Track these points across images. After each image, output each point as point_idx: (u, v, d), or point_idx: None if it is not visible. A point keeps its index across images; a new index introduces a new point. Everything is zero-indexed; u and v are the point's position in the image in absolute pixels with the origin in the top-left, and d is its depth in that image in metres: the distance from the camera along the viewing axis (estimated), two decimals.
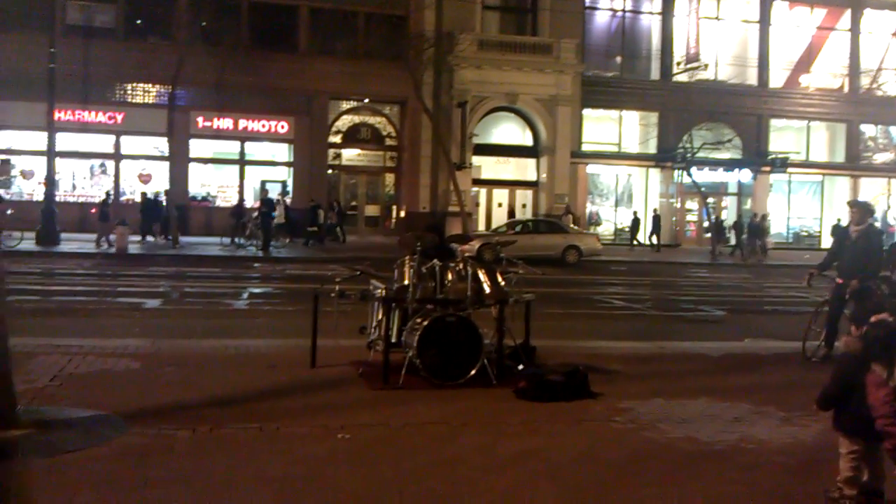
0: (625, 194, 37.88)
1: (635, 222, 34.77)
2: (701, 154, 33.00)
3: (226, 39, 30.05)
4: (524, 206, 35.51)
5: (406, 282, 8.06)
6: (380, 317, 8.27)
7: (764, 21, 37.88)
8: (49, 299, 14.60)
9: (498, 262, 9.10)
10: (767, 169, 37.22)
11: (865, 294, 9.50)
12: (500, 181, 35.76)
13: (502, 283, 8.40)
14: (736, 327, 13.56)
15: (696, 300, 18.14)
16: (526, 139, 35.63)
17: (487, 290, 8.21)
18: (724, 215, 38.58)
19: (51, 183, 25.72)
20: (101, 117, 30.93)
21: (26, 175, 30.92)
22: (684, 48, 36.59)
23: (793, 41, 38.39)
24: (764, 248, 32.26)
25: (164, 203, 28.50)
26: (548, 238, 26.69)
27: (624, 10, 37.13)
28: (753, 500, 5.23)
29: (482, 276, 8.24)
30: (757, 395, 7.87)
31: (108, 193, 28.22)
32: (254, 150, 33.07)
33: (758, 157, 37.23)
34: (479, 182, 34.77)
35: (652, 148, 36.68)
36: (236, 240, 27.58)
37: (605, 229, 36.67)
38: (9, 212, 25.06)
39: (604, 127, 36.77)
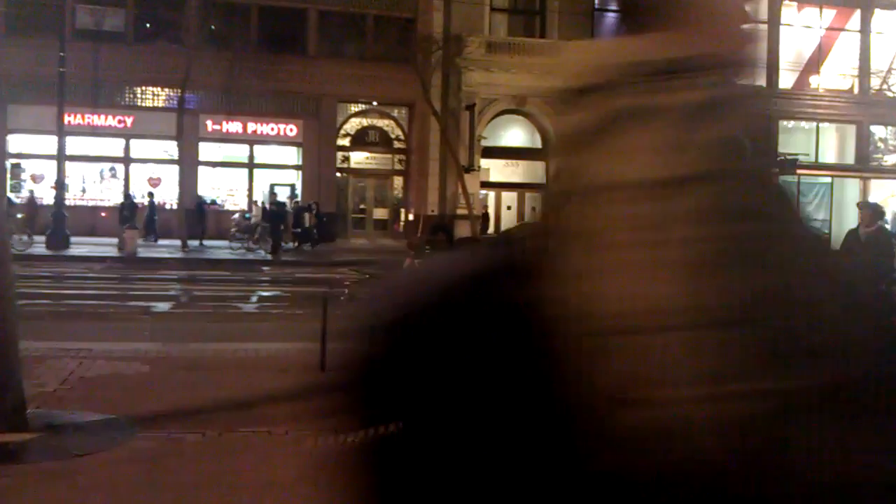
0: None
1: None
2: None
3: (235, 43, 30.13)
4: (533, 208, 35.49)
5: None
6: None
7: (773, 22, 37.74)
8: (59, 303, 14.65)
9: None
10: (776, 170, 36.98)
11: None
12: (508, 184, 35.73)
13: None
14: None
15: None
16: (535, 142, 35.59)
17: None
18: None
19: (60, 186, 25.82)
20: (111, 121, 31.06)
21: (36, 179, 31.05)
22: None
23: (802, 42, 38.27)
24: None
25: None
26: None
27: None
28: None
29: None
30: None
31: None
32: (263, 153, 33.14)
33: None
34: (487, 185, 34.74)
35: None
36: (247, 244, 27.70)
37: None
38: (18, 215, 25.18)
39: None
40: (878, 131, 39.96)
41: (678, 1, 1.06)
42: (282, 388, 7.69)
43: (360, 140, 34.14)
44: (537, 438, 0.96)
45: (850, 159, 39.31)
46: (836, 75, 38.94)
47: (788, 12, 38.07)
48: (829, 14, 38.69)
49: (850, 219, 32.61)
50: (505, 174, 35.60)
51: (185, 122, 27.88)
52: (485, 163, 33.99)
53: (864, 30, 38.76)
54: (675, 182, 0.95)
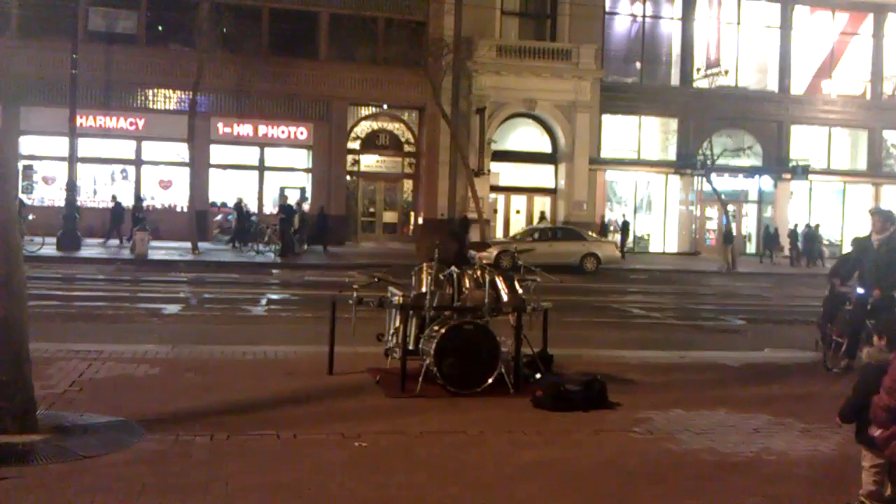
0: (644, 201, 37.70)
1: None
2: (721, 161, 32.79)
3: (246, 46, 30.23)
4: (542, 212, 35.43)
5: (424, 289, 8.04)
6: (397, 324, 8.26)
7: (785, 26, 37.63)
8: (69, 304, 14.71)
9: (516, 269, 9.08)
10: (788, 176, 36.93)
11: (888, 304, 9.41)
12: (518, 188, 35.70)
13: (520, 291, 8.38)
14: (756, 337, 13.45)
15: (715, 309, 18.01)
16: (544, 145, 35.55)
17: (505, 297, 8.19)
18: (744, 223, 38.41)
19: (72, 188, 25.93)
20: (123, 123, 31.17)
21: (48, 180, 31.19)
22: (705, 54, 36.41)
23: (814, 47, 38.09)
24: (821, 255, 32.36)
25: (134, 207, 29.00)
26: (566, 245, 26.58)
27: (644, 16, 36.99)
28: None
29: (500, 283, 8.22)
30: (777, 406, 7.79)
31: (140, 198, 28.80)
32: (273, 156, 33.19)
33: (778, 164, 36.95)
34: (497, 189, 34.73)
35: (671, 154, 36.49)
36: (257, 247, 27.77)
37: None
38: (30, 217, 25.28)
39: (623, 133, 36.61)
40: (891, 137, 39.73)
41: None
42: (290, 390, 7.70)
43: (371, 143, 34.17)
44: None
45: (862, 165, 39.10)
46: (849, 80, 38.75)
47: (800, 16, 37.92)
48: (842, 18, 38.52)
49: (861, 225, 32.41)
50: (514, 178, 35.57)
51: (196, 125, 27.94)
52: (494, 166, 33.98)
53: (877, 34, 38.58)
54: None
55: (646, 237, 37.24)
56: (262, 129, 32.27)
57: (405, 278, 8.62)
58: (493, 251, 24.45)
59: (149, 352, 9.17)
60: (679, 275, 27.65)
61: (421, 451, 6.06)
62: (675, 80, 36.94)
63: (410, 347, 8.10)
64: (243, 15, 30.55)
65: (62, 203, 27.06)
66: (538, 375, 8.19)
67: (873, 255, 9.73)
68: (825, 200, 39.24)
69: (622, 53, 36.71)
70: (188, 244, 26.60)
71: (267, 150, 32.85)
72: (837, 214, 38.54)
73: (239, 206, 29.62)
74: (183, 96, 30.46)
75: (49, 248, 23.92)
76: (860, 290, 9.78)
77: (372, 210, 34.46)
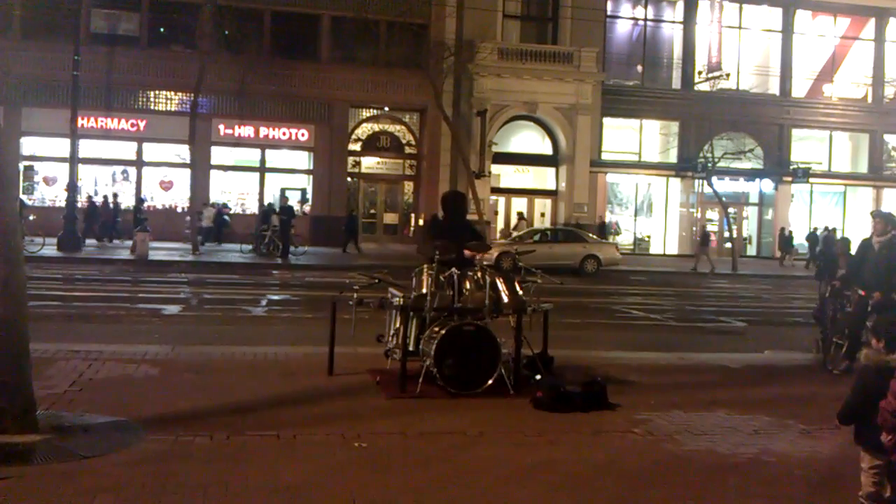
0: (645, 204, 37.71)
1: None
2: (722, 164, 32.81)
3: (248, 48, 30.25)
4: (542, 214, 35.45)
5: (424, 290, 8.04)
6: (397, 325, 8.26)
7: (786, 30, 37.66)
8: (69, 305, 14.72)
9: (516, 270, 9.08)
10: (789, 179, 36.95)
11: (888, 306, 9.41)
12: (519, 190, 35.72)
13: (520, 293, 8.38)
14: (756, 338, 13.45)
15: (715, 311, 18.01)
16: (545, 148, 35.57)
17: (505, 299, 8.19)
18: (744, 226, 38.44)
19: (73, 189, 25.93)
20: (124, 124, 31.22)
21: (49, 181, 31.22)
22: (706, 57, 36.43)
23: (816, 50, 38.13)
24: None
25: (113, 207, 29.24)
26: (566, 247, 26.60)
27: (645, 19, 37.04)
28: None
29: (500, 285, 8.22)
30: (777, 408, 7.80)
31: (142, 199, 28.88)
32: (274, 157, 33.23)
33: (779, 167, 36.97)
34: (497, 191, 34.76)
35: (672, 157, 36.51)
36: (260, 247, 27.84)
37: (625, 239, 36.51)
38: (31, 217, 25.30)
39: (624, 136, 36.64)
40: (892, 140, 39.76)
41: None
42: (290, 391, 7.70)
43: (372, 145, 34.20)
44: None
45: (863, 168, 39.11)
46: (850, 84, 38.78)
47: (802, 20, 37.94)
48: (844, 22, 38.56)
49: (863, 227, 32.41)
50: (515, 180, 35.60)
51: (197, 126, 27.96)
52: (495, 168, 34.01)
53: (879, 38, 38.60)
54: None
55: (646, 239, 37.26)
56: (264, 131, 32.30)
57: (405, 279, 8.63)
58: (494, 252, 24.46)
59: (149, 352, 9.17)
60: (679, 277, 27.64)
61: (421, 451, 6.06)
62: (676, 83, 36.98)
63: (411, 348, 8.10)
64: (245, 17, 30.58)
65: (63, 203, 27.08)
66: (538, 377, 8.19)
67: (874, 258, 9.74)
68: (826, 203, 39.28)
69: (623, 57, 36.75)
70: (188, 245, 26.63)
71: (268, 151, 32.89)
72: (838, 218, 38.52)
73: (217, 206, 29.77)
74: (184, 98, 30.50)
75: (50, 248, 23.93)
76: (861, 292, 9.78)
77: (373, 211, 34.48)
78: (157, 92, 31.37)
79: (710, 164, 32.83)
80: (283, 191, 32.33)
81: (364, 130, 34.01)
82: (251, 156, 32.99)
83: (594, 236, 29.64)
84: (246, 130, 32.10)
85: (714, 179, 33.13)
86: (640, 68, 37.16)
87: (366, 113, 33.83)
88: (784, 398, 8.36)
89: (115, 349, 9.21)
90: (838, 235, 30.18)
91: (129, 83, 30.63)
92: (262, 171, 33.03)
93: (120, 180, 32.13)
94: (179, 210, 30.99)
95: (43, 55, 27.68)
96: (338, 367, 8.41)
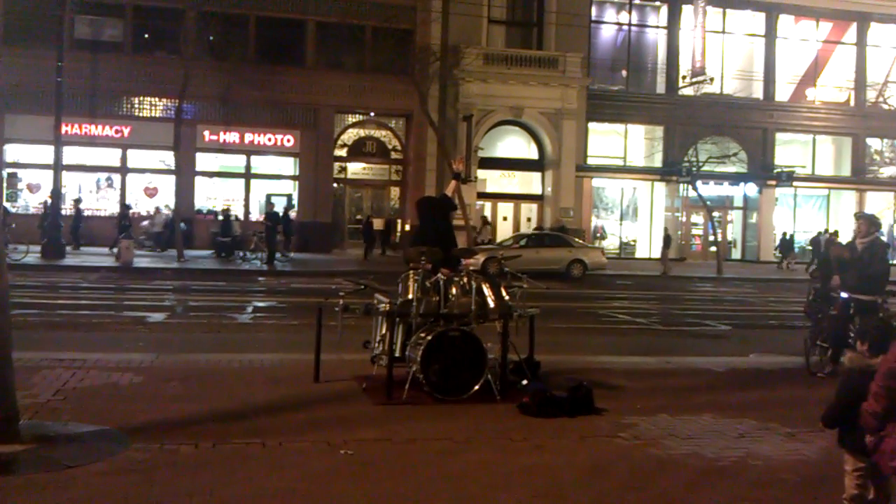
0: (630, 208, 37.84)
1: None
2: (706, 168, 32.95)
3: (233, 54, 30.18)
4: (529, 219, 35.51)
5: (410, 296, 8.04)
6: (384, 331, 8.25)
7: (769, 35, 37.92)
8: (53, 313, 14.62)
9: (502, 275, 9.09)
10: (773, 183, 37.16)
11: (871, 309, 9.48)
12: (505, 195, 35.77)
13: (506, 298, 8.39)
14: (741, 342, 13.51)
15: (701, 315, 18.08)
16: (531, 153, 35.64)
17: (491, 304, 8.19)
18: (729, 229, 38.63)
19: (57, 196, 25.78)
20: (108, 131, 31.03)
21: (32, 188, 31.03)
22: (690, 62, 36.61)
23: (798, 55, 38.40)
24: None
25: (75, 212, 28.86)
26: (553, 252, 26.65)
27: (629, 24, 37.21)
28: None
29: (486, 290, 8.23)
30: (762, 411, 7.83)
31: (127, 206, 28.70)
32: (260, 163, 33.14)
33: (763, 171, 37.19)
34: (484, 195, 34.78)
35: (657, 161, 36.65)
36: (243, 254, 27.74)
37: (610, 243, 36.61)
38: (13, 225, 25.08)
39: (609, 140, 36.77)
40: (874, 143, 40.07)
41: None
42: (275, 398, 7.68)
43: (357, 150, 34.17)
44: None
45: (846, 171, 39.39)
46: (833, 88, 39.07)
47: (785, 25, 38.22)
48: (826, 27, 38.87)
49: (846, 230, 32.65)
50: (501, 185, 35.64)
51: (182, 133, 27.86)
52: (481, 173, 34.04)
53: (860, 42, 38.93)
54: None
55: (632, 243, 37.38)
56: (249, 137, 32.21)
57: (391, 285, 8.62)
58: (480, 258, 24.48)
59: (133, 360, 9.12)
60: (664, 281, 27.73)
61: (408, 458, 6.06)
62: (660, 87, 37.15)
63: (397, 354, 8.10)
64: (230, 23, 30.51)
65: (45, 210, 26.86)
66: (524, 382, 8.20)
67: (856, 259, 9.81)
68: (810, 207, 39.54)
69: (608, 61, 36.90)
70: (174, 251, 26.53)
71: (253, 157, 32.80)
72: (822, 221, 38.79)
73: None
74: (169, 104, 30.39)
75: (34, 255, 23.76)
76: (844, 295, 9.84)
77: (359, 217, 34.42)
78: (141, 98, 31.23)
79: (694, 168, 32.99)
80: (268, 197, 32.30)
81: (350, 136, 33.98)
82: (236, 162, 32.88)
83: (580, 241, 29.70)
84: (231, 136, 32.00)
85: (699, 183, 33.29)
86: (624, 73, 37.31)
87: (351, 118, 33.81)
88: (769, 401, 8.40)
89: (100, 357, 9.15)
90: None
91: (114, 89, 30.47)
92: (247, 178, 32.93)
93: (104, 187, 31.96)
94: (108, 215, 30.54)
95: (26, 61, 27.49)
96: (324, 374, 8.39)
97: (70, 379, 8.02)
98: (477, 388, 7.79)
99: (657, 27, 37.39)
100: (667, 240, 30.89)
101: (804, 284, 15.14)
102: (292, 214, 30.73)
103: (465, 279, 8.23)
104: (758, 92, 37.85)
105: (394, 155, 34.49)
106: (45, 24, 26.76)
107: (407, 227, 33.60)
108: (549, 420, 7.23)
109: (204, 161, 32.18)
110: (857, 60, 38.96)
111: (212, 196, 32.81)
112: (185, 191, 29.63)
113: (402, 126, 34.22)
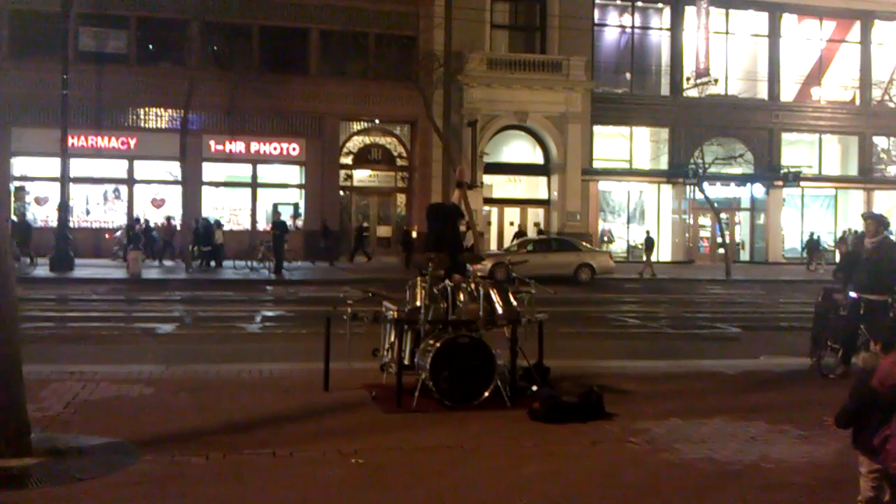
0: (637, 211, 37.78)
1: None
2: (713, 169, 32.87)
3: (237, 63, 30.28)
4: (536, 224, 35.47)
5: (418, 303, 8.02)
6: (392, 339, 8.24)
7: (773, 34, 37.85)
8: (63, 325, 14.65)
9: (510, 281, 9.08)
10: (780, 183, 37.04)
11: (882, 309, 9.42)
12: (511, 200, 35.76)
13: (515, 303, 8.37)
14: (751, 344, 13.45)
15: (710, 317, 18.02)
16: (536, 157, 35.64)
17: (500, 310, 8.18)
18: (737, 231, 38.51)
19: (64, 209, 25.87)
20: (115, 142, 31.15)
21: (40, 201, 31.14)
22: (694, 63, 36.58)
23: (803, 54, 38.32)
24: None
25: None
26: (560, 256, 26.59)
27: (633, 27, 37.19)
28: None
29: (494, 296, 8.21)
30: (774, 414, 7.79)
31: (136, 219, 28.73)
32: (266, 172, 33.20)
33: (770, 172, 37.08)
34: (490, 201, 34.78)
35: (663, 164, 36.59)
36: (249, 263, 27.75)
37: (618, 247, 36.54)
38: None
39: (614, 143, 36.73)
40: (881, 142, 39.92)
41: None
42: (285, 408, 7.67)
43: (363, 158, 34.21)
44: None
45: (853, 171, 39.25)
46: (838, 87, 38.96)
47: (788, 25, 38.15)
48: (830, 26, 38.77)
49: (856, 230, 32.47)
50: (507, 190, 35.63)
51: (188, 143, 27.99)
52: (487, 179, 34.03)
53: (865, 41, 38.81)
54: None
55: (639, 246, 37.26)
56: (255, 146, 32.28)
57: (399, 293, 8.61)
58: (488, 263, 24.44)
59: (143, 372, 9.13)
60: (673, 284, 27.67)
61: (418, 466, 6.04)
62: (665, 89, 37.10)
63: (406, 362, 8.08)
64: (233, 33, 30.63)
65: (55, 223, 26.93)
66: (534, 388, 8.17)
67: (865, 259, 9.76)
68: (817, 207, 39.40)
69: (612, 64, 36.88)
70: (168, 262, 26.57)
71: (259, 166, 32.87)
72: (830, 221, 38.66)
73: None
74: (174, 115, 30.50)
75: (42, 268, 23.82)
76: (854, 295, 9.79)
77: (366, 224, 34.45)
78: (146, 109, 31.34)
79: (700, 170, 32.89)
80: (275, 206, 32.30)
81: (355, 143, 34.02)
82: (242, 171, 32.96)
83: (587, 245, 29.63)
84: (237, 146, 32.08)
85: (705, 185, 33.20)
86: (628, 76, 37.27)
87: (356, 126, 33.86)
88: (780, 404, 8.35)
89: (110, 370, 9.16)
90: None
91: (119, 101, 30.59)
92: (253, 187, 33.00)
93: (112, 199, 32.06)
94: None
95: (31, 74, 27.64)
96: (333, 383, 8.38)
97: (80, 391, 8.03)
98: (487, 394, 7.76)
99: (660, 29, 37.36)
100: (648, 242, 30.84)
101: (799, 285, 15.05)
102: (299, 223, 30.73)
103: (473, 285, 8.22)
104: (762, 92, 37.77)
105: (399, 162, 34.52)
106: (50, 37, 26.88)
107: (414, 234, 33.57)
108: (560, 426, 7.20)
109: (210, 171, 32.26)
110: (862, 59, 38.86)
111: (218, 206, 32.86)
112: (191, 201, 29.72)
113: (406, 133, 34.26)
